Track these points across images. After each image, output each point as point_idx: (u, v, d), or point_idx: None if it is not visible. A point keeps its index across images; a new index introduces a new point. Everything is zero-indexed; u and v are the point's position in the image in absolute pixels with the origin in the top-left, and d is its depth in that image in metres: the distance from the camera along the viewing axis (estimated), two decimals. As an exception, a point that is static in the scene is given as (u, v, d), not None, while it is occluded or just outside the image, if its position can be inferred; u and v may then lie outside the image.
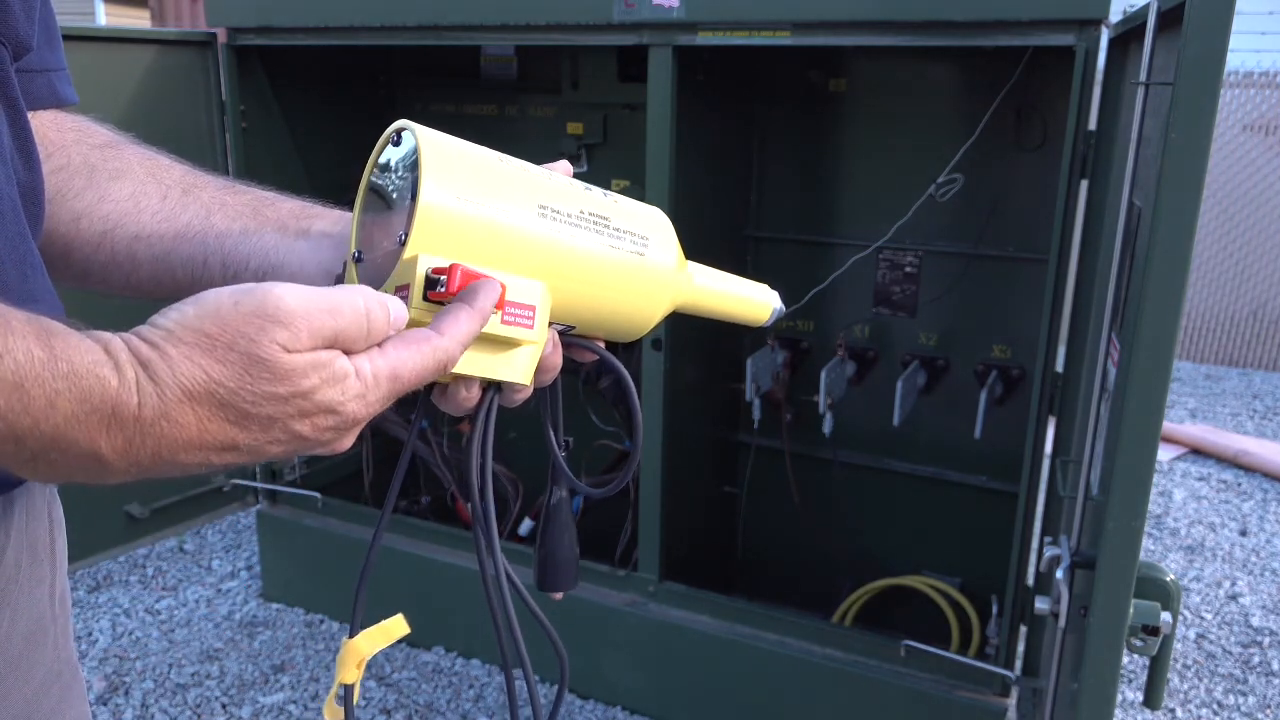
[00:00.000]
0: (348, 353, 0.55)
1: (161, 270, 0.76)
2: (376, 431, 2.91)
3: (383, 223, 0.64)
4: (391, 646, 2.66)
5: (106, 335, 0.52)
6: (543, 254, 0.64)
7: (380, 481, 2.94)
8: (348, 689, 0.67)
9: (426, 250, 0.60)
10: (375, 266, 0.64)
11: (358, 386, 0.55)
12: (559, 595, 0.78)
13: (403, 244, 0.59)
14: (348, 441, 0.59)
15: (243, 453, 0.54)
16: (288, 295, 0.53)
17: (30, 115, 0.73)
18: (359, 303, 0.55)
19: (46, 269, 0.69)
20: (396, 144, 0.63)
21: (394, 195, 0.63)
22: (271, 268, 0.75)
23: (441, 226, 0.60)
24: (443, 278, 0.59)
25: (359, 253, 0.66)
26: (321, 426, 0.55)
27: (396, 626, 0.68)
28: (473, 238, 0.61)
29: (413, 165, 0.61)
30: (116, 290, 0.77)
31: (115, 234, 0.74)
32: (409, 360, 0.57)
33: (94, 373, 0.50)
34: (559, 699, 0.79)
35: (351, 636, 0.66)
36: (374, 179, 0.65)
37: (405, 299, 0.59)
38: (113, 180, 0.75)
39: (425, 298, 0.60)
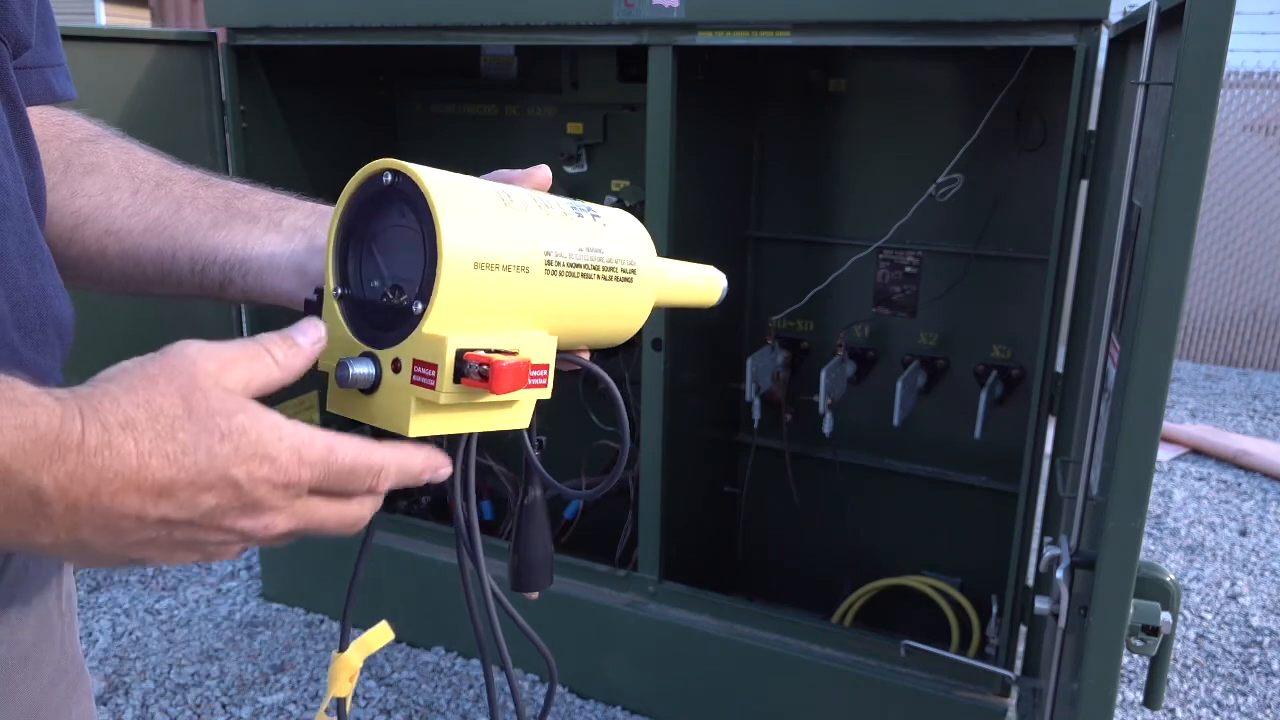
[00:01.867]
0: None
1: (130, 265, 0.75)
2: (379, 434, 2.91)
3: (375, 265, 0.63)
4: (391, 646, 2.66)
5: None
6: (551, 305, 0.64)
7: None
8: (340, 702, 0.66)
9: (449, 325, 0.58)
10: (365, 310, 0.62)
11: (295, 439, 0.55)
12: (535, 595, 0.77)
13: (420, 314, 0.58)
14: (281, 518, 0.57)
15: (176, 500, 0.53)
16: (203, 342, 0.56)
17: None
18: (261, 351, 0.57)
19: None
20: (389, 184, 0.61)
21: (391, 244, 0.61)
22: (239, 260, 0.74)
23: (462, 295, 0.58)
24: (478, 367, 0.58)
25: (341, 289, 0.63)
26: (256, 476, 0.54)
27: (382, 634, 0.68)
28: (490, 302, 0.60)
29: (417, 216, 0.59)
30: (89, 286, 0.77)
31: (85, 229, 0.74)
32: (349, 444, 0.57)
33: (38, 401, 0.49)
34: (548, 703, 0.78)
35: (342, 650, 0.66)
36: (355, 219, 0.63)
37: (430, 377, 0.58)
38: (86, 175, 0.75)
39: (456, 381, 0.58)
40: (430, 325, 0.58)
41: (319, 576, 2.81)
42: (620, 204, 2.59)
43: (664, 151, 2.08)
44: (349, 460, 0.57)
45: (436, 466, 0.63)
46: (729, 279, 0.82)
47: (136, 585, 2.97)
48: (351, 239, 0.63)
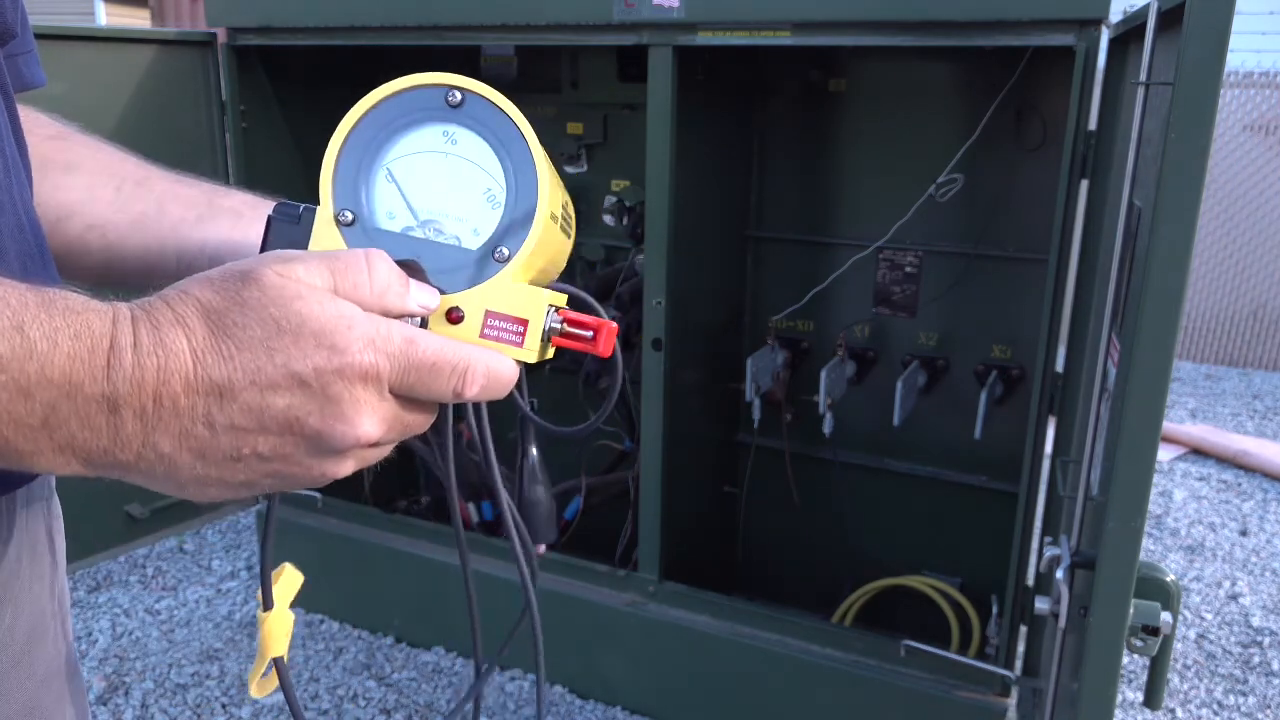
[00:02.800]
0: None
1: (114, 258, 0.76)
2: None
3: (392, 194, 0.57)
4: (391, 646, 2.66)
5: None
6: (546, 257, 0.61)
7: (380, 482, 2.94)
8: (279, 661, 0.62)
9: (526, 277, 0.55)
10: (382, 244, 0.56)
11: (366, 327, 0.51)
12: (542, 549, 0.76)
13: (505, 260, 0.54)
14: (366, 421, 0.51)
15: (240, 403, 0.49)
16: (282, 251, 0.53)
17: None
18: (358, 252, 0.53)
19: None
20: (458, 103, 0.55)
21: (417, 174, 0.56)
22: (230, 251, 0.74)
23: (540, 245, 0.55)
24: (560, 325, 0.55)
25: (345, 212, 0.56)
26: (325, 370, 0.50)
27: (291, 579, 0.63)
28: (541, 253, 0.57)
29: (497, 150, 0.55)
30: (67, 277, 0.76)
31: (68, 223, 0.74)
32: (431, 337, 0.53)
33: (90, 307, 0.49)
34: (519, 625, 0.76)
35: (267, 609, 0.62)
36: (373, 138, 0.57)
37: (517, 333, 0.55)
38: (66, 173, 0.76)
39: (544, 339, 0.55)
40: (516, 276, 0.54)
41: (319, 576, 2.80)
42: (620, 204, 2.59)
43: (664, 151, 2.08)
44: (432, 354, 0.52)
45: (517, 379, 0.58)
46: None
47: (136, 585, 2.97)
48: (363, 161, 0.56)
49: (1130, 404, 1.20)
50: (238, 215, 0.76)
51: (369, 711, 2.43)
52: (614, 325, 0.57)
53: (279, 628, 0.61)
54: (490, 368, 0.54)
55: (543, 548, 0.76)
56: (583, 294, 0.66)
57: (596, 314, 0.61)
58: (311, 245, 0.56)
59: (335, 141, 0.56)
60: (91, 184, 0.75)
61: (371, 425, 0.52)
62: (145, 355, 0.48)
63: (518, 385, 0.67)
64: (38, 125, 0.78)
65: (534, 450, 0.75)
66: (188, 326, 0.49)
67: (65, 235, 0.74)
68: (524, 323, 0.55)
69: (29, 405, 0.47)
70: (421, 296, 0.54)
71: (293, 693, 0.63)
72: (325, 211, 0.56)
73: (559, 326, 0.56)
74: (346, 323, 0.50)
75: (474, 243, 0.55)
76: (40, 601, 0.73)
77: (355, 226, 0.56)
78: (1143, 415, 1.19)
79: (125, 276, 0.77)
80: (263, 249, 0.57)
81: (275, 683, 0.62)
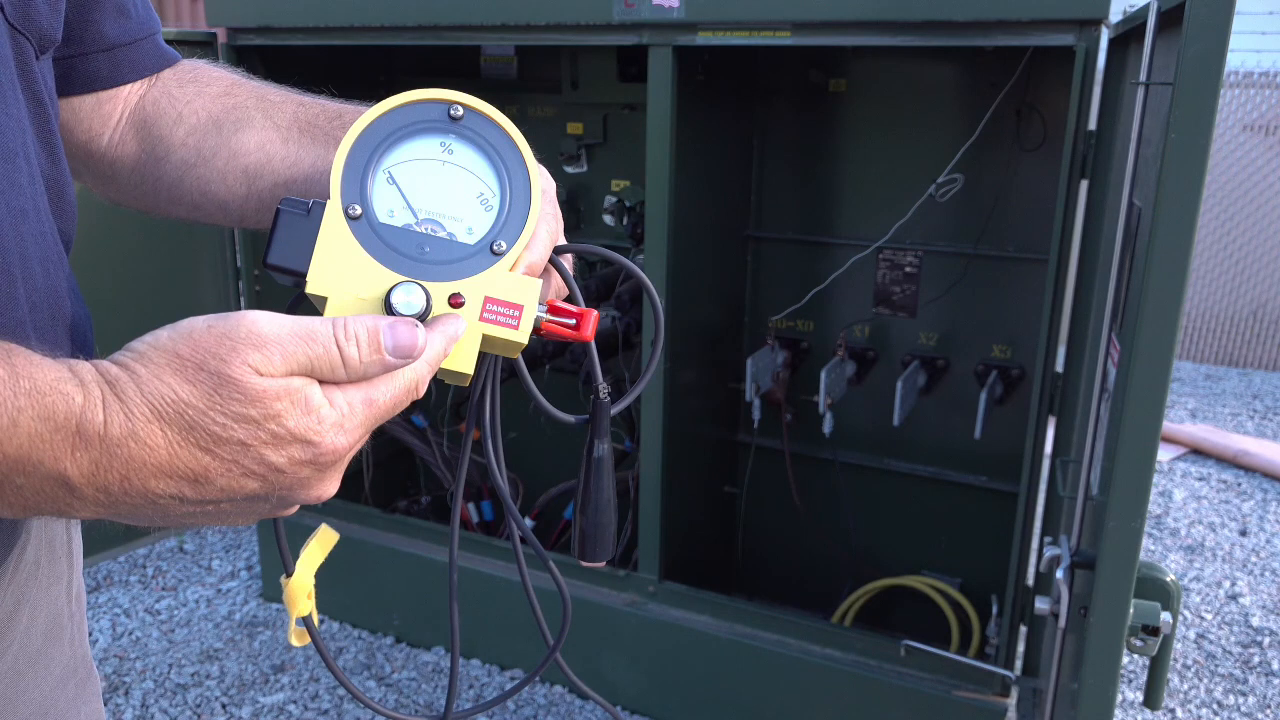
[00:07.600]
0: (323, 383, 0.54)
1: None
2: (376, 431, 2.92)
3: (392, 192, 0.61)
4: (391, 646, 2.66)
5: (72, 360, 0.51)
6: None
7: (380, 481, 2.94)
8: (307, 619, 0.68)
9: (520, 266, 0.62)
10: (386, 237, 0.61)
11: (333, 415, 0.54)
12: (601, 565, 0.72)
13: (503, 254, 0.61)
14: (330, 484, 0.57)
15: (215, 486, 0.52)
16: (261, 320, 0.52)
17: (151, 80, 0.78)
18: (330, 332, 0.54)
19: (209, 221, 0.76)
20: (458, 117, 0.62)
21: (413, 176, 0.61)
22: None
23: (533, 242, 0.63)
24: (545, 312, 0.62)
25: (354, 206, 0.60)
26: (297, 460, 0.53)
27: (325, 538, 0.68)
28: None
29: (490, 158, 0.62)
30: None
31: (256, 184, 0.77)
32: (381, 385, 0.56)
33: (58, 390, 0.49)
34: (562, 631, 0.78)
35: (289, 575, 0.67)
36: (380, 143, 0.62)
37: (514, 318, 0.60)
38: (237, 132, 0.78)
39: (537, 328, 0.62)
40: (511, 266, 0.61)
41: (319, 576, 2.79)
42: (620, 204, 2.59)
43: (664, 151, 2.08)
44: (390, 403, 0.57)
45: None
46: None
47: (136, 585, 2.97)
48: (368, 163, 0.61)
49: (1130, 404, 1.20)
50: None
51: (369, 712, 2.43)
52: (595, 312, 0.63)
53: (297, 592, 0.67)
54: (431, 361, 0.58)
55: (601, 564, 0.73)
56: (597, 248, 0.72)
57: (576, 298, 0.68)
58: (321, 237, 0.59)
59: (346, 143, 0.61)
60: (262, 141, 0.77)
61: (333, 487, 0.58)
62: (114, 445, 0.49)
63: (589, 371, 0.71)
64: (205, 84, 0.81)
65: (605, 446, 0.70)
66: (164, 420, 0.50)
67: (259, 196, 0.77)
68: (519, 308, 0.60)
69: None
70: (398, 352, 0.56)
71: (323, 645, 0.70)
72: (335, 206, 0.60)
73: (544, 315, 0.62)
74: (316, 418, 0.53)
75: (469, 239, 0.61)
76: (58, 603, 0.74)
77: (361, 221, 0.60)
78: (1143, 415, 1.19)
79: None
80: (270, 239, 0.60)
81: (309, 636, 0.68)
